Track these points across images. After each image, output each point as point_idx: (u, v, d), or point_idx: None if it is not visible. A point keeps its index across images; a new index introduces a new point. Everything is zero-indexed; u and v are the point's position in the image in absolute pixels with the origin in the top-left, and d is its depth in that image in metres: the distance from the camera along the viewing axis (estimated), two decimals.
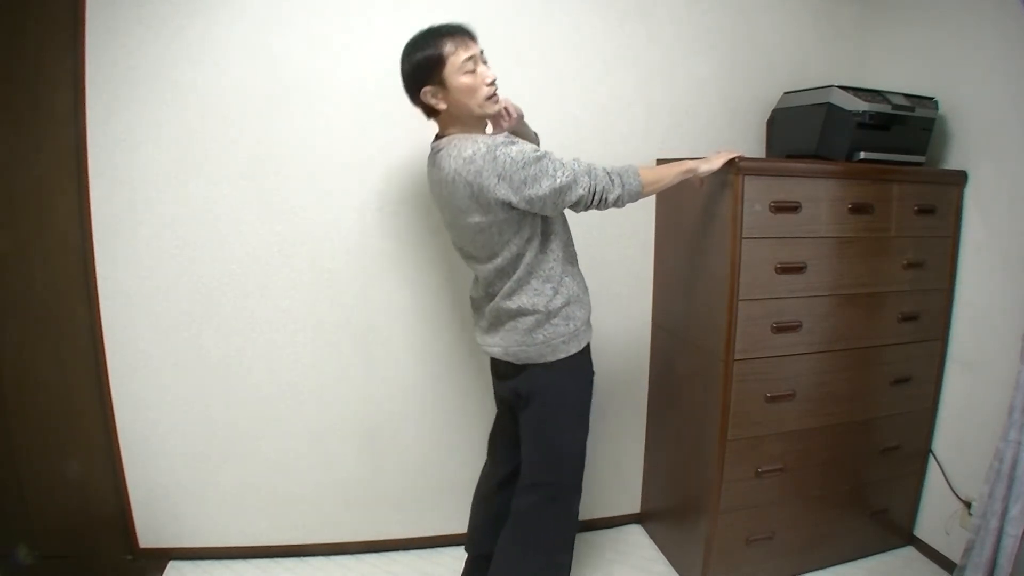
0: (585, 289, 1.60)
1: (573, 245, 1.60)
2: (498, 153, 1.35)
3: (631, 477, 2.28)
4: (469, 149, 1.37)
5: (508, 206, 1.38)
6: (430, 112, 1.47)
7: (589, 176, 1.43)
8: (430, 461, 2.10)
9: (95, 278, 1.81)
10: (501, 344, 1.55)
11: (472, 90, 1.41)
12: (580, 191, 1.41)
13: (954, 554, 1.93)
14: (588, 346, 1.59)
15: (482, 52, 1.44)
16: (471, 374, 2.06)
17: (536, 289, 1.48)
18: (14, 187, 1.80)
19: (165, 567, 1.98)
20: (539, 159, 1.38)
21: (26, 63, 1.74)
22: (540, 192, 1.37)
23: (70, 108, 1.74)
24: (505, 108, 1.53)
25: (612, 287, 2.12)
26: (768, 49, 2.14)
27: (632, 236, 2.11)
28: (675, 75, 2.06)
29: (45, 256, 1.84)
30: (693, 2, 2.04)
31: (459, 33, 1.40)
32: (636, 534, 2.26)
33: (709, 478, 1.82)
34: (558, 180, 1.38)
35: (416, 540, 2.14)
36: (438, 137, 1.51)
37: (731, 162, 1.64)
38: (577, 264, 1.59)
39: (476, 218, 1.41)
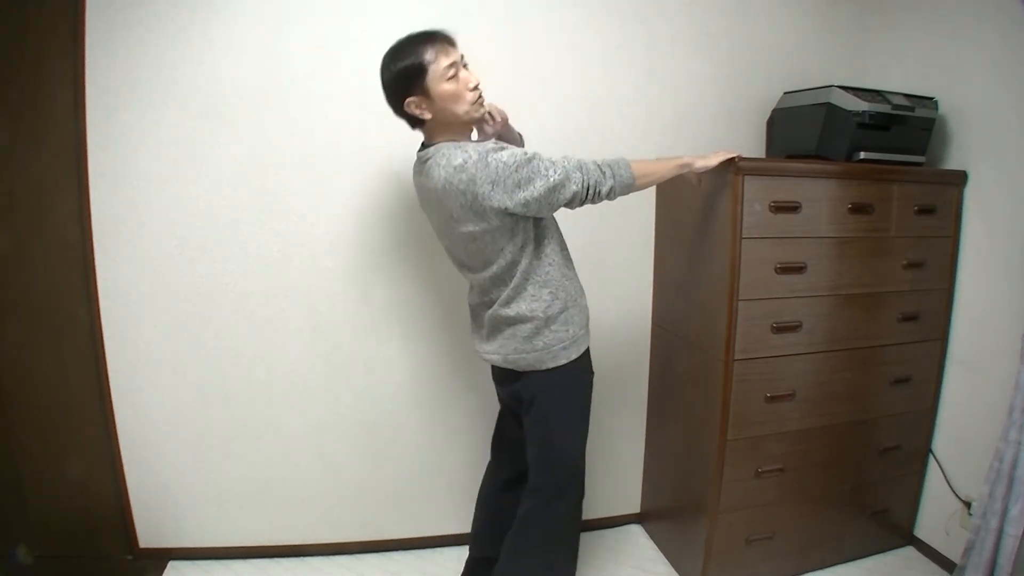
0: (582, 292, 1.59)
1: (567, 248, 1.58)
2: (490, 159, 1.33)
3: (631, 477, 2.28)
4: (459, 158, 1.35)
5: (504, 212, 1.37)
6: (415, 122, 1.45)
7: (581, 171, 1.41)
8: (429, 461, 2.10)
9: (95, 278, 1.82)
10: (500, 352, 1.54)
11: (456, 96, 1.38)
12: (574, 187, 1.40)
13: (954, 554, 1.93)
14: (587, 350, 1.59)
15: (463, 56, 1.41)
16: (471, 374, 2.05)
17: (533, 295, 1.47)
18: (14, 187, 1.80)
19: (165, 567, 1.98)
20: (530, 160, 1.37)
21: (26, 63, 1.74)
22: (535, 193, 1.36)
23: (70, 108, 1.74)
24: (489, 112, 1.51)
25: (612, 287, 2.12)
26: (768, 49, 2.14)
27: (632, 236, 2.11)
28: (675, 75, 2.06)
29: (45, 256, 1.84)
30: (693, 2, 2.04)
31: (438, 39, 1.37)
32: (636, 534, 2.26)
33: (709, 478, 1.82)
34: (551, 179, 1.37)
35: (416, 540, 2.14)
36: (424, 146, 1.48)
37: (731, 162, 1.64)
38: (573, 267, 1.58)
39: (469, 227, 1.40)
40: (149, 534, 2.00)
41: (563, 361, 1.51)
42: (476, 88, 1.42)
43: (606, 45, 1.99)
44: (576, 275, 1.58)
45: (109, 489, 1.95)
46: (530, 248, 1.46)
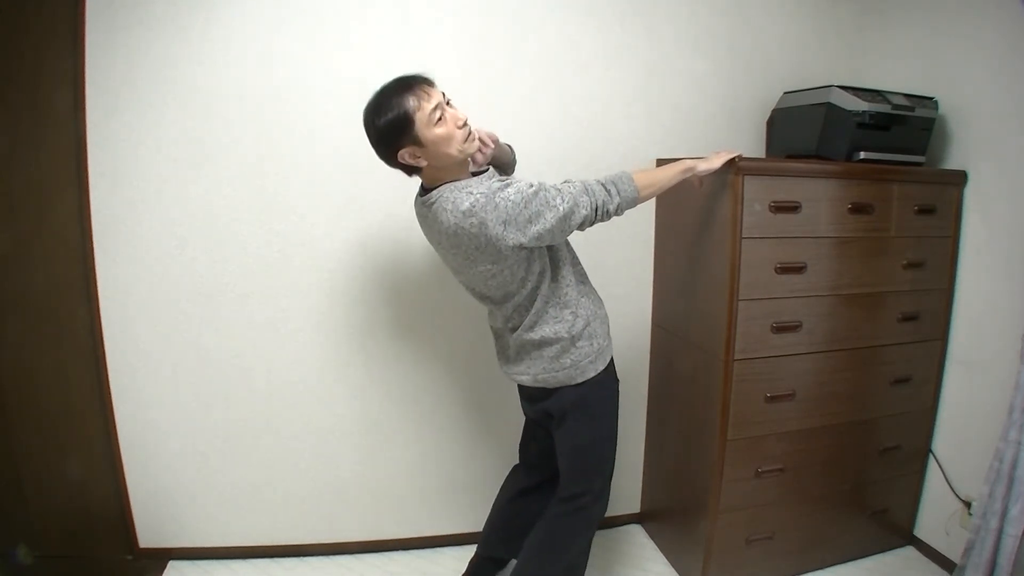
0: (600, 303, 1.60)
1: (580, 263, 1.59)
2: (498, 200, 1.32)
3: (631, 477, 2.28)
4: (466, 202, 1.33)
5: (519, 248, 1.37)
6: (411, 171, 1.42)
7: (587, 195, 1.41)
8: (429, 461, 2.10)
9: (95, 278, 1.82)
10: (529, 372, 1.55)
11: (448, 138, 1.35)
12: (583, 211, 1.40)
13: (954, 554, 1.93)
14: (612, 359, 1.60)
15: (444, 95, 1.37)
16: (470, 374, 2.06)
17: (556, 317, 1.48)
18: (14, 187, 1.80)
19: (165, 567, 1.98)
20: (536, 194, 1.35)
21: (26, 63, 1.74)
22: (547, 226, 1.36)
23: (70, 108, 1.74)
24: (480, 139, 1.47)
25: (612, 287, 2.10)
26: (768, 49, 2.14)
27: (632, 236, 2.11)
28: (675, 75, 2.06)
29: (45, 255, 1.84)
30: (694, 2, 2.04)
31: (416, 84, 1.34)
32: (636, 534, 2.26)
33: (709, 478, 1.82)
34: (560, 209, 1.36)
35: (416, 540, 2.14)
36: (425, 190, 1.45)
37: (731, 162, 1.64)
38: (588, 281, 1.59)
39: (487, 265, 1.40)
40: (149, 534, 2.00)
41: (591, 374, 1.53)
42: (465, 125, 1.38)
43: (606, 45, 1.99)
44: (592, 287, 1.59)
45: (109, 489, 1.95)
46: (548, 273, 1.47)
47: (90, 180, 1.77)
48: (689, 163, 1.59)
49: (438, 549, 2.12)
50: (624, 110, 2.03)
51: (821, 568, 2.02)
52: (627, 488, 2.28)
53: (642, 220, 2.10)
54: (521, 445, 1.85)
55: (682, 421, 2.03)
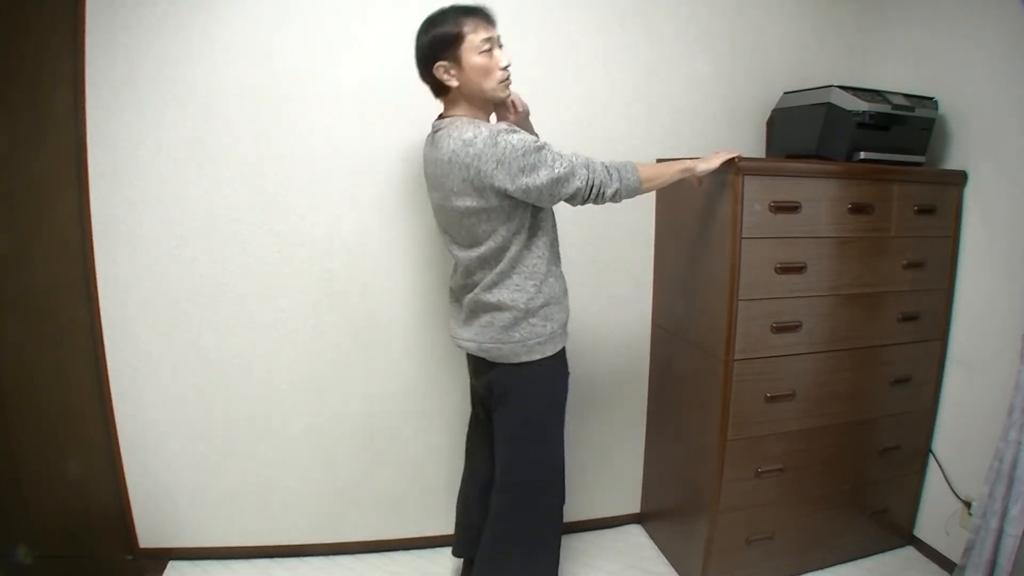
0: (566, 292, 1.57)
1: (559, 245, 1.58)
2: (499, 139, 1.34)
3: (631, 477, 2.28)
4: (470, 132, 1.36)
5: (503, 194, 1.37)
6: (439, 90, 1.46)
7: (587, 169, 1.42)
8: (429, 461, 2.10)
9: (95, 278, 1.81)
10: (476, 340, 1.53)
11: (486, 71, 1.40)
12: (577, 183, 1.40)
13: (954, 554, 1.93)
14: (564, 349, 1.57)
15: (499, 37, 1.43)
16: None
17: (518, 285, 1.46)
18: (14, 187, 1.80)
19: (165, 567, 1.98)
20: (539, 149, 1.37)
21: (26, 63, 1.74)
22: (537, 182, 1.36)
23: (70, 108, 1.74)
24: (512, 100, 1.53)
25: (612, 287, 2.12)
26: (768, 49, 2.14)
27: (632, 236, 2.11)
28: (675, 75, 2.06)
29: (45, 256, 1.84)
30: (694, 2, 2.05)
31: (479, 14, 1.40)
32: (636, 534, 2.26)
33: (709, 478, 1.82)
34: (556, 171, 1.37)
35: (416, 540, 2.13)
36: (440, 118, 1.49)
37: (731, 162, 1.64)
38: (560, 265, 1.57)
39: (468, 202, 1.39)
40: (149, 534, 2.00)
41: (538, 356, 1.50)
42: (506, 69, 1.43)
43: (606, 45, 1.99)
44: (562, 274, 1.57)
45: (109, 489, 1.95)
46: (522, 236, 1.45)
47: (90, 180, 1.77)
48: (688, 163, 1.60)
49: (438, 549, 2.12)
50: (624, 110, 2.03)
51: (821, 568, 2.02)
52: (627, 488, 2.29)
53: (642, 220, 2.10)
54: (467, 440, 1.82)
55: (682, 421, 2.03)
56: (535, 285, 1.47)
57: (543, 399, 1.57)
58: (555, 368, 1.56)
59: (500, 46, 1.43)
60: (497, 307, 1.47)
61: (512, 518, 1.59)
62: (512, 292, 1.46)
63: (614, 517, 2.29)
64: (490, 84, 1.42)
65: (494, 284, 1.46)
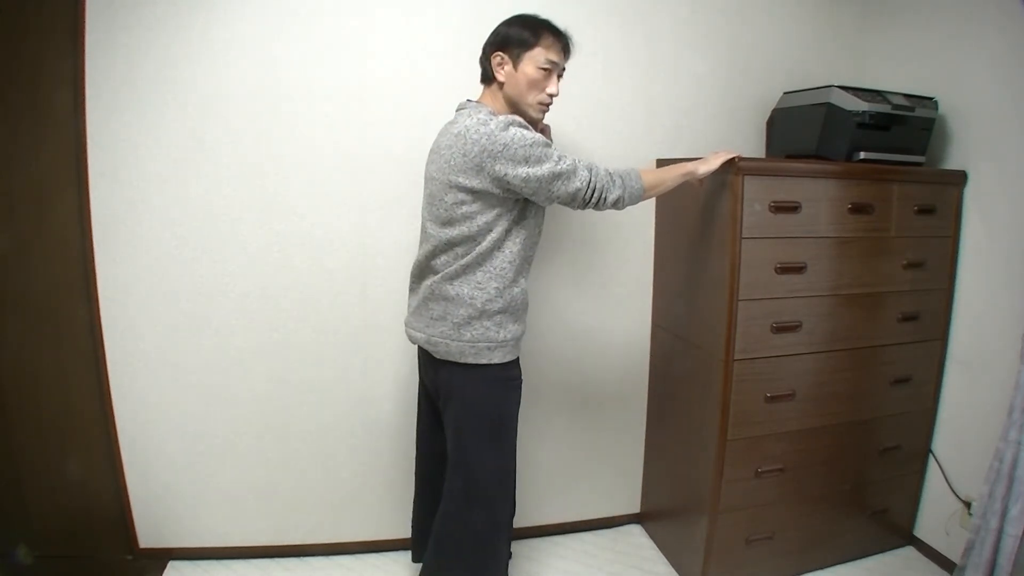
0: (526, 308, 1.53)
1: (531, 262, 1.54)
2: (511, 129, 1.37)
3: (631, 477, 2.28)
4: (486, 115, 1.40)
5: (500, 180, 1.37)
6: (486, 77, 1.50)
7: (590, 172, 1.43)
8: None
9: (95, 278, 1.81)
10: (425, 332, 1.49)
11: (534, 85, 1.45)
12: (578, 183, 1.41)
13: (954, 554, 1.93)
14: (517, 360, 1.54)
15: (564, 69, 1.49)
16: None
17: (479, 282, 1.43)
18: (14, 187, 1.80)
19: (165, 567, 1.98)
20: (547, 146, 1.40)
21: (26, 63, 1.74)
22: (538, 172, 1.37)
23: (70, 108, 1.74)
24: (542, 127, 1.56)
25: (612, 287, 2.12)
26: (768, 49, 2.14)
27: (632, 236, 2.11)
28: (675, 75, 2.06)
29: (45, 256, 1.84)
30: (693, 1, 2.04)
31: (561, 40, 1.46)
32: (636, 534, 2.26)
33: (709, 478, 1.82)
34: (559, 166, 1.38)
35: None
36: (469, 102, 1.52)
37: (731, 162, 1.64)
38: (527, 278, 1.53)
39: (461, 178, 1.38)
40: (149, 534, 2.00)
41: (484, 361, 1.46)
42: (552, 98, 1.49)
43: (606, 45, 1.99)
44: (527, 290, 1.52)
45: (109, 489, 1.95)
46: (496, 233, 1.42)
47: (90, 180, 1.77)
48: (689, 166, 1.60)
49: None
50: (624, 110, 2.03)
51: (821, 568, 2.02)
52: (627, 488, 2.29)
53: (642, 220, 2.10)
54: (417, 472, 1.78)
55: (682, 421, 2.03)
56: (497, 288, 1.44)
57: (489, 406, 1.51)
58: (503, 377, 1.51)
59: (560, 76, 1.49)
60: (455, 300, 1.44)
61: (453, 527, 1.53)
62: (472, 288, 1.43)
63: (614, 517, 2.29)
64: (530, 98, 1.46)
65: (456, 276, 1.44)
